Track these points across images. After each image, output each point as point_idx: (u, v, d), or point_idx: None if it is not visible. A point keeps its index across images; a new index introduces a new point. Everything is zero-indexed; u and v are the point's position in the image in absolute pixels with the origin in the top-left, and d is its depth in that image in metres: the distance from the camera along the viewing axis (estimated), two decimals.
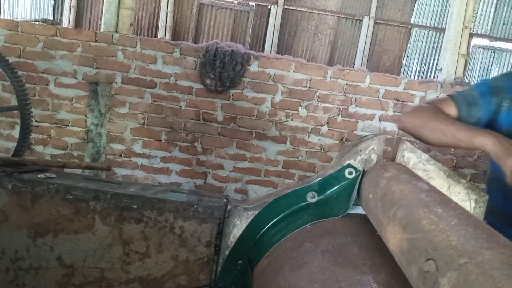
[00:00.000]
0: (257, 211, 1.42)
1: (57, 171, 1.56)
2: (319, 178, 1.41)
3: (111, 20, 3.88)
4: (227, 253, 1.43)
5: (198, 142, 3.88)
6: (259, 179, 3.96)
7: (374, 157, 1.38)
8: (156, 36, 7.73)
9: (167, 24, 7.88)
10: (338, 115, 3.91)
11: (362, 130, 3.93)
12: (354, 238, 1.15)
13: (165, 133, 3.86)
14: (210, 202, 1.43)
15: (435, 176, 1.37)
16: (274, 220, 1.40)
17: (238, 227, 1.43)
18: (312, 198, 1.39)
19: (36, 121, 3.81)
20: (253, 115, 3.88)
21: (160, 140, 3.87)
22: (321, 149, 3.94)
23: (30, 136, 1.83)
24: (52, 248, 1.42)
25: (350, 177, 1.37)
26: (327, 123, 3.93)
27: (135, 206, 1.40)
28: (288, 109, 3.90)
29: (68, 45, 3.76)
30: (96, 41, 3.78)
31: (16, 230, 1.40)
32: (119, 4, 3.87)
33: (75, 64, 3.79)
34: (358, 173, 1.36)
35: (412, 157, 1.36)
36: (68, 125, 3.85)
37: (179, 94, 3.82)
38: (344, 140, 3.91)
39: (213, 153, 3.90)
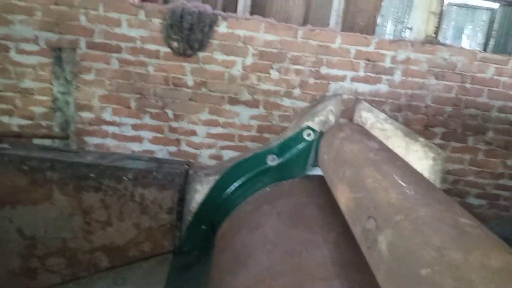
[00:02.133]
0: (219, 176, 1.42)
1: (12, 142, 1.52)
2: (279, 141, 1.41)
3: None
4: (189, 218, 1.44)
5: (169, 108, 3.81)
6: (234, 144, 3.95)
7: (332, 118, 1.38)
8: None
9: None
10: (310, 77, 3.89)
11: (334, 92, 3.92)
12: (310, 199, 1.17)
13: (134, 99, 3.77)
14: (170, 169, 1.42)
15: (393, 135, 1.38)
16: (236, 184, 1.41)
17: (199, 192, 1.44)
18: (272, 161, 1.39)
19: None
20: (224, 79, 3.82)
21: (130, 107, 3.79)
22: (294, 112, 3.94)
23: None
24: (11, 220, 1.40)
25: (309, 138, 1.37)
26: (300, 85, 3.90)
27: (92, 175, 1.38)
28: (259, 72, 3.84)
29: (26, 9, 3.57)
30: (56, 4, 3.60)
31: None
32: None
33: (36, 29, 3.62)
34: (316, 134, 1.36)
35: (370, 117, 1.36)
36: (33, 94, 3.72)
37: (147, 59, 3.71)
38: None
39: (185, 119, 3.85)
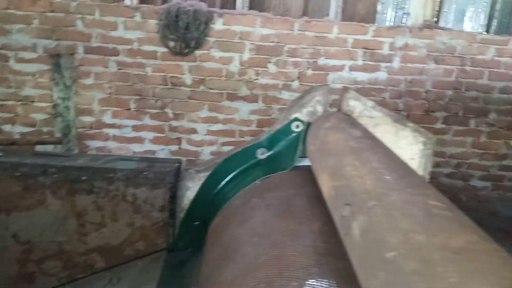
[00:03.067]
0: (209, 172, 1.42)
1: (5, 149, 1.53)
2: (268, 134, 1.41)
3: None
4: (182, 215, 1.45)
5: (168, 107, 3.82)
6: (234, 140, 3.95)
7: (319, 108, 1.37)
8: (123, 1, 7.45)
9: None
10: (308, 68, 3.87)
11: (333, 82, 3.90)
12: (299, 190, 1.16)
13: (133, 101, 3.79)
14: (161, 168, 1.43)
15: (382, 122, 1.37)
16: (227, 179, 1.41)
17: (191, 189, 1.44)
18: (261, 154, 1.39)
19: (0, 100, 3.71)
20: (222, 76, 3.82)
21: (130, 109, 3.81)
22: None
23: None
24: (6, 227, 1.42)
25: (298, 130, 1.37)
26: (298, 78, 3.88)
27: (84, 178, 1.39)
28: (257, 66, 3.83)
29: (23, 17, 3.60)
30: (52, 11, 3.62)
31: None
32: None
33: (34, 37, 3.64)
34: (305, 125, 1.36)
35: (357, 105, 1.35)
36: (34, 101, 3.75)
37: (144, 60, 3.72)
38: None
39: (185, 118, 3.86)
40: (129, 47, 3.71)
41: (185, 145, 3.93)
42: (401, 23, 8.77)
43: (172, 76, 3.77)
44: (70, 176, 1.39)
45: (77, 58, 3.71)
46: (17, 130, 3.77)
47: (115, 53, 3.72)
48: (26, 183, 1.39)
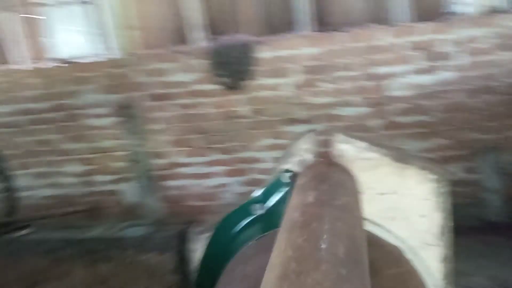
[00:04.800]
0: (211, 233, 1.40)
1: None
2: (263, 188, 1.35)
3: None
4: (195, 276, 1.44)
5: (233, 140, 3.87)
6: None
7: (308, 156, 1.28)
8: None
9: None
10: (364, 80, 3.66)
11: (393, 90, 3.63)
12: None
13: (199, 139, 3.92)
14: (167, 232, 1.45)
15: (381, 163, 1.24)
16: (225, 241, 1.37)
17: (198, 251, 1.43)
18: (257, 210, 1.33)
19: (81, 154, 4.11)
20: (279, 102, 3.77)
21: (198, 147, 3.93)
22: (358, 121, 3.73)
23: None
24: None
25: (289, 181, 1.29)
26: (357, 92, 3.69)
27: (100, 247, 1.47)
28: (311, 87, 3.72)
29: (92, 78, 3.99)
30: (112, 67, 3.95)
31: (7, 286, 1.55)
32: None
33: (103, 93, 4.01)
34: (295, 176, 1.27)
35: (349, 148, 1.24)
36: (111, 152, 4.08)
37: (202, 99, 3.86)
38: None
39: (250, 149, 3.86)
40: (186, 89, 3.87)
41: (254, 175, 3.95)
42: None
43: (231, 110, 3.84)
44: (88, 246, 1.48)
45: (144, 106, 3.96)
46: (100, 179, 4.12)
47: (176, 97, 3.91)
48: (52, 257, 1.51)
